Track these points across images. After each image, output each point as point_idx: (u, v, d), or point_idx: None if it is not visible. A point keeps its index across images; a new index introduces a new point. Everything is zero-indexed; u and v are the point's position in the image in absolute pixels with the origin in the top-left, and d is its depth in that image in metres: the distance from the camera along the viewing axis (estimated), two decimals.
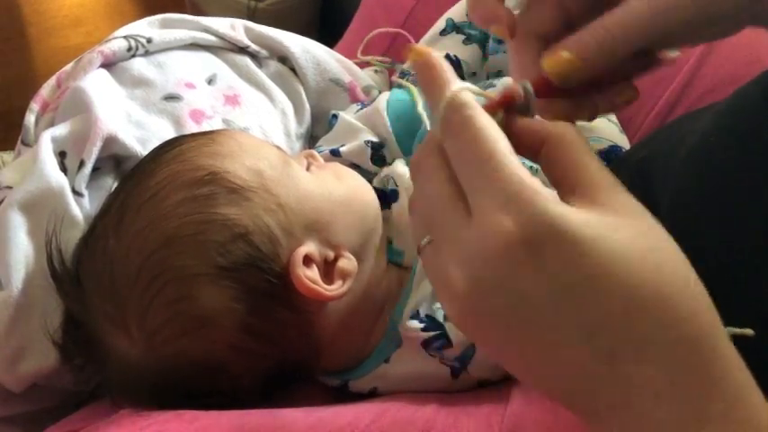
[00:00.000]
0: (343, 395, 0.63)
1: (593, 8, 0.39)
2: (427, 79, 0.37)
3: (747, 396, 0.32)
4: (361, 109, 0.76)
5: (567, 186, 0.35)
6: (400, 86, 0.83)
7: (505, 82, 0.73)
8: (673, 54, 0.43)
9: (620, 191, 0.34)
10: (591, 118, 0.42)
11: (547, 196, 0.32)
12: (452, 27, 0.83)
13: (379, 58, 0.88)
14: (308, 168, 0.64)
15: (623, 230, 0.32)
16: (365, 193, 0.65)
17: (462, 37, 0.83)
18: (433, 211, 0.35)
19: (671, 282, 0.32)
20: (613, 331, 0.32)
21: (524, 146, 0.36)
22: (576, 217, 0.32)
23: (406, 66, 0.85)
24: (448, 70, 0.37)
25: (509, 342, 0.34)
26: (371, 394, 0.63)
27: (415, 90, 0.71)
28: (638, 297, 0.31)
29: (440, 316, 0.59)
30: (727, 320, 0.36)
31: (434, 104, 0.36)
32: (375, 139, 0.71)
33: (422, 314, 0.60)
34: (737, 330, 0.35)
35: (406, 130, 0.71)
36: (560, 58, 0.38)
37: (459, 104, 0.35)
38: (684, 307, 0.32)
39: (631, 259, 0.32)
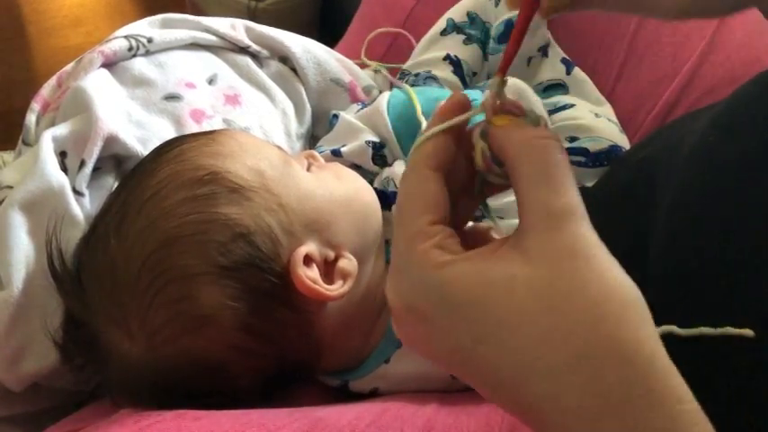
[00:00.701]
0: (344, 395, 0.63)
1: None
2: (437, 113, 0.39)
3: (680, 410, 0.31)
4: (362, 109, 0.76)
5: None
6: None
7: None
8: None
9: (549, 228, 0.34)
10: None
11: (433, 261, 0.35)
12: (452, 27, 0.83)
13: (385, 65, 0.88)
14: (308, 168, 0.64)
15: (515, 287, 0.33)
16: (365, 194, 0.65)
17: (462, 37, 0.83)
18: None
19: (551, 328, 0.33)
20: (504, 390, 0.34)
21: (499, 157, 0.37)
22: (455, 284, 0.34)
23: (406, 66, 0.85)
24: (452, 109, 0.39)
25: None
26: (372, 394, 0.63)
27: (413, 93, 0.71)
28: (524, 360, 0.33)
29: None
30: (728, 320, 0.36)
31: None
32: (376, 140, 0.71)
33: None
34: (737, 331, 0.35)
35: (407, 130, 0.71)
36: None
37: (415, 153, 0.38)
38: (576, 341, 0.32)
39: (517, 298, 0.33)
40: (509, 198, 0.39)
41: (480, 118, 0.39)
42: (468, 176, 0.40)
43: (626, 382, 0.31)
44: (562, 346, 0.31)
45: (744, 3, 0.39)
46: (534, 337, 0.32)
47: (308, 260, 0.57)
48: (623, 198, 0.63)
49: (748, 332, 0.36)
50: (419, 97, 0.72)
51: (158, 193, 0.57)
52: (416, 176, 0.37)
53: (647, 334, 0.32)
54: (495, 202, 0.43)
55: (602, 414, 0.31)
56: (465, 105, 0.39)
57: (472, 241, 0.37)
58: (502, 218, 0.52)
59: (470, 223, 0.42)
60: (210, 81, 0.77)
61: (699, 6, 0.39)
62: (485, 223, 0.41)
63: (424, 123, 0.45)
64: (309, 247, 0.58)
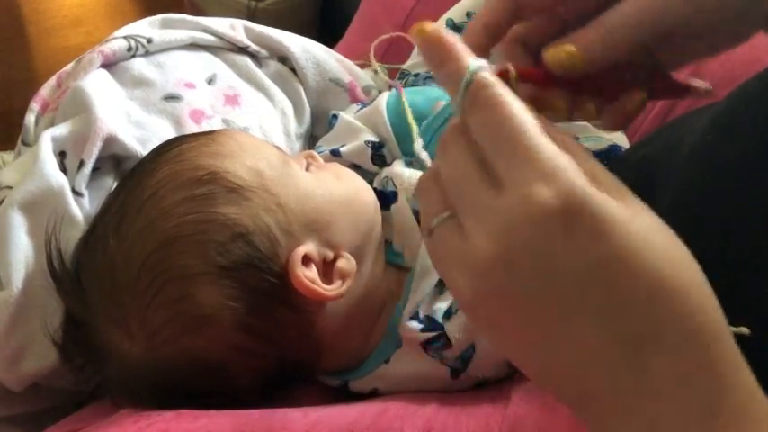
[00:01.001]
0: (344, 395, 0.63)
1: (587, 18, 0.40)
2: (438, 59, 0.36)
3: (758, 394, 0.32)
4: (361, 109, 0.76)
5: None
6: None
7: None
8: (703, 85, 0.43)
9: (632, 195, 0.35)
10: (596, 115, 0.42)
11: (582, 175, 0.33)
12: (452, 27, 0.83)
13: (386, 65, 0.88)
14: (307, 169, 0.64)
15: (647, 222, 0.33)
16: (365, 194, 0.65)
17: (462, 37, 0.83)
18: (459, 184, 0.35)
19: (688, 276, 0.33)
20: (636, 315, 0.32)
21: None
22: (609, 199, 0.32)
23: (406, 66, 0.85)
24: (458, 45, 0.36)
25: (524, 323, 0.33)
26: (372, 394, 0.63)
27: (404, 95, 0.71)
28: (660, 284, 0.32)
29: (439, 317, 0.59)
30: (728, 320, 0.36)
31: (451, 85, 0.36)
32: (375, 140, 0.71)
33: (421, 315, 0.60)
34: (734, 329, 0.35)
35: (407, 130, 0.71)
36: (563, 48, 0.38)
37: (484, 82, 0.35)
38: (700, 301, 0.33)
39: (656, 248, 0.32)
40: None
41: None
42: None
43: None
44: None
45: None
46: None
47: (306, 260, 0.57)
48: None
49: (744, 330, 0.36)
50: (419, 97, 0.72)
51: (157, 193, 0.57)
52: (508, 98, 0.34)
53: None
54: None
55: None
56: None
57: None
58: None
59: None
60: (210, 81, 0.77)
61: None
62: None
63: (415, 128, 0.45)
64: (308, 247, 0.58)
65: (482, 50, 0.40)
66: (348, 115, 0.75)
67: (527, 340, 0.34)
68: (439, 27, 0.37)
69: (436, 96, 0.73)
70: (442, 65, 0.36)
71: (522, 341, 0.34)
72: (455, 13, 0.84)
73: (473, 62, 0.35)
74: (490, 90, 0.34)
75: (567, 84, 0.40)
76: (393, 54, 0.91)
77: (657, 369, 0.32)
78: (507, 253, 0.32)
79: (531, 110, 0.34)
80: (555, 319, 0.32)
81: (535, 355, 0.34)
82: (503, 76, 0.36)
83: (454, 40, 0.36)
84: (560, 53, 0.38)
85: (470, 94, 0.35)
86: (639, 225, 0.32)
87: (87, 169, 0.65)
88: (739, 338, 0.35)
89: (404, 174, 0.67)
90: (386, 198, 0.67)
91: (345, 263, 0.59)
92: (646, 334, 0.32)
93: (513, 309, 0.33)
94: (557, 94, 0.41)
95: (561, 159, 0.33)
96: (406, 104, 0.68)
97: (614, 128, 0.43)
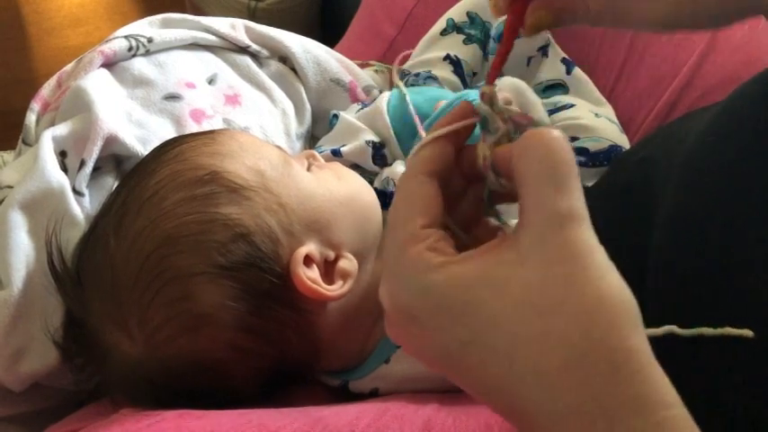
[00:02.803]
0: (344, 395, 0.63)
1: None
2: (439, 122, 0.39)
3: (667, 415, 0.31)
4: (362, 109, 0.76)
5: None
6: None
7: (506, 82, 0.73)
8: None
9: (550, 229, 0.33)
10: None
11: (425, 263, 0.35)
12: (452, 27, 0.83)
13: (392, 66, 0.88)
14: (308, 168, 0.64)
15: (509, 289, 0.33)
16: (366, 194, 0.65)
17: (462, 37, 0.83)
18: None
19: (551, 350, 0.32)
20: (494, 393, 0.34)
21: (504, 174, 0.37)
22: (443, 286, 0.34)
23: (406, 66, 0.85)
24: (455, 118, 0.39)
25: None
26: (372, 395, 0.63)
27: (407, 95, 0.71)
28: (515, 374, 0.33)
29: None
30: (728, 320, 0.36)
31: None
32: (376, 139, 0.71)
33: None
34: (736, 331, 0.35)
35: (407, 130, 0.71)
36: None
37: (412, 158, 0.38)
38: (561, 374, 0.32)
39: (505, 329, 0.33)
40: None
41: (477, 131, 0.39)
42: (467, 181, 0.40)
43: (614, 389, 0.31)
44: (553, 351, 0.31)
45: (733, 17, 0.39)
46: (525, 341, 0.32)
47: (308, 260, 0.57)
48: (623, 198, 0.63)
49: (748, 333, 0.36)
50: (419, 97, 0.72)
51: (158, 192, 0.57)
52: (411, 181, 0.38)
53: (638, 341, 0.32)
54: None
55: (591, 420, 0.31)
56: (468, 114, 0.39)
57: (484, 240, 0.37)
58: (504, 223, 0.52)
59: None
60: (210, 81, 0.77)
61: (684, 19, 0.39)
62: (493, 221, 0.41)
63: (420, 125, 0.46)
64: (309, 248, 0.58)
65: None
66: (349, 115, 0.75)
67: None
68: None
69: (436, 96, 0.73)
70: None
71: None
72: (455, 12, 0.85)
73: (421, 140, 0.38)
74: (404, 174, 0.38)
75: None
76: (393, 54, 0.91)
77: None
78: (390, 320, 0.37)
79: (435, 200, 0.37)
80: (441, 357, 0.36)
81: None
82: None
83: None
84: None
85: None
86: (489, 305, 0.33)
87: (88, 169, 0.65)
88: (741, 340, 0.35)
89: None
90: (387, 198, 0.67)
91: (347, 263, 0.59)
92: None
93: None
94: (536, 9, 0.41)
95: (406, 254, 0.36)
96: (410, 103, 0.69)
97: None
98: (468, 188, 0.40)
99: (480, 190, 0.40)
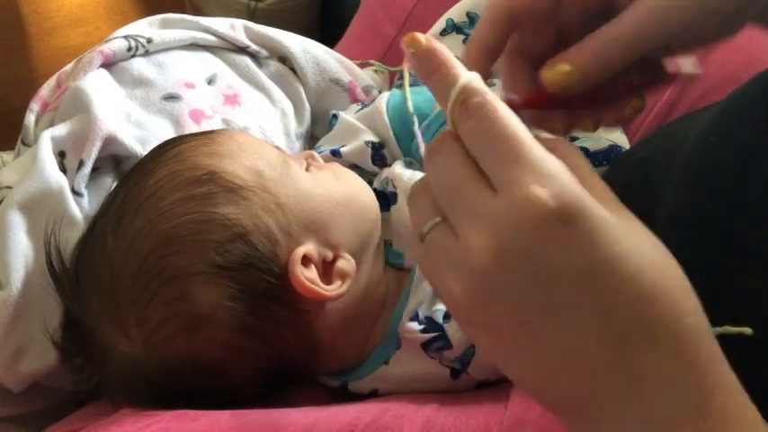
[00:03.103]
0: (343, 396, 0.63)
1: (587, 27, 0.40)
2: (429, 69, 0.37)
3: (741, 392, 0.33)
4: (362, 109, 0.76)
5: None
6: (400, 86, 0.83)
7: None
8: (691, 68, 0.43)
9: (622, 204, 0.35)
10: (594, 128, 0.43)
11: (576, 181, 0.33)
12: (452, 27, 0.83)
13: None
14: (307, 169, 0.64)
15: (635, 231, 0.34)
16: (364, 195, 0.65)
17: (462, 37, 0.83)
18: (452, 188, 0.35)
19: (674, 281, 0.33)
20: (626, 316, 0.32)
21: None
22: (600, 207, 0.33)
23: (406, 66, 0.85)
24: (449, 56, 0.37)
25: (518, 324, 0.33)
26: (371, 395, 0.63)
27: (407, 91, 0.71)
28: (648, 288, 0.32)
29: (439, 317, 0.59)
30: (727, 319, 0.36)
31: (441, 94, 0.36)
32: (375, 140, 0.71)
33: (421, 316, 0.60)
34: (736, 329, 0.35)
35: (407, 130, 0.71)
36: (559, 69, 0.39)
37: (476, 89, 0.35)
38: (686, 305, 0.33)
39: (644, 255, 0.33)
40: None
41: None
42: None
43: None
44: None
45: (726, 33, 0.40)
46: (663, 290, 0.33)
47: (306, 260, 0.57)
48: (623, 198, 0.63)
49: (747, 331, 0.36)
50: (419, 97, 0.72)
51: (156, 193, 0.57)
52: (499, 107, 0.35)
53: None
54: None
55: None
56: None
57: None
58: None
59: None
60: (210, 81, 0.76)
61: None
62: None
63: (416, 121, 0.45)
64: (307, 248, 0.58)
65: (483, 71, 0.41)
66: (348, 115, 0.75)
67: (520, 344, 0.34)
68: (430, 38, 0.37)
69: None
70: (432, 75, 0.37)
71: (515, 345, 0.34)
72: (455, 13, 0.84)
73: (464, 72, 0.36)
74: (481, 98, 0.35)
75: (565, 100, 0.40)
76: (393, 54, 0.91)
77: (646, 370, 0.32)
78: (501, 256, 0.32)
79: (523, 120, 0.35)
80: (547, 320, 0.33)
81: (527, 359, 0.34)
82: (509, 105, 0.37)
83: (445, 51, 0.37)
84: (557, 73, 0.39)
85: (461, 102, 0.35)
86: (628, 232, 0.33)
87: (87, 169, 0.65)
88: (740, 338, 0.35)
89: (404, 174, 0.67)
90: (386, 199, 0.67)
91: (345, 263, 0.59)
92: (634, 335, 0.32)
93: (508, 310, 0.33)
94: (554, 116, 0.41)
95: (555, 164, 0.33)
96: (409, 99, 0.68)
97: (596, 128, 0.43)
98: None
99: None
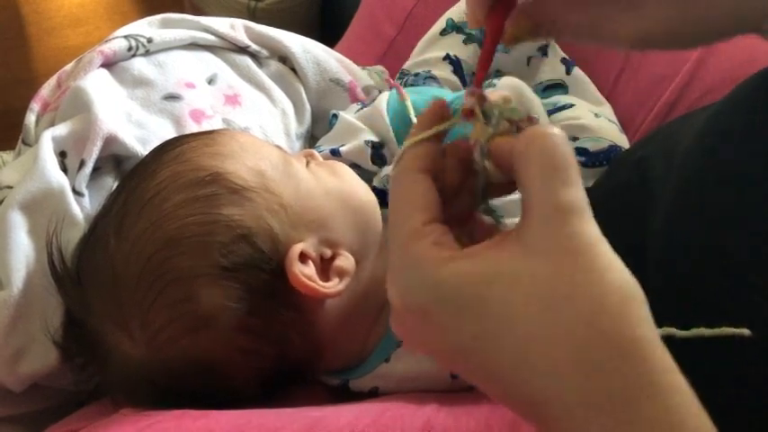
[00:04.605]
0: (344, 395, 0.63)
1: None
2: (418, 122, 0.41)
3: (677, 401, 0.32)
4: (362, 109, 0.76)
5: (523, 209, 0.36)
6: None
7: (505, 82, 0.73)
8: None
9: (554, 222, 0.34)
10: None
11: (432, 259, 0.35)
12: (452, 27, 0.83)
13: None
14: (306, 166, 0.64)
15: (517, 283, 0.34)
16: (363, 193, 0.65)
17: (462, 37, 0.83)
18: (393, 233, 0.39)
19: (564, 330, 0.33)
20: (506, 386, 0.34)
21: (502, 166, 0.37)
22: (454, 281, 0.34)
23: (406, 66, 0.85)
24: (431, 117, 0.40)
25: (448, 360, 0.37)
26: (372, 394, 0.63)
27: (407, 97, 0.71)
28: (527, 353, 0.33)
29: None
30: (725, 320, 0.36)
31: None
32: (375, 139, 0.71)
33: None
34: (734, 330, 0.35)
35: (407, 130, 0.71)
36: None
37: (403, 158, 0.39)
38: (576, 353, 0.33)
39: (515, 317, 0.33)
40: (511, 197, 0.39)
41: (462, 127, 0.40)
42: (459, 176, 0.40)
43: (625, 376, 0.31)
44: (563, 342, 0.32)
45: (711, 37, 0.40)
46: (535, 333, 0.32)
47: (303, 257, 0.57)
48: (622, 198, 0.63)
49: (745, 331, 0.36)
50: (418, 97, 0.72)
51: (159, 194, 0.57)
52: (405, 180, 0.38)
53: (645, 329, 0.32)
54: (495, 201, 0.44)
55: (602, 407, 0.31)
56: (444, 113, 0.40)
57: (477, 236, 0.38)
58: (501, 216, 0.53)
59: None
60: (210, 81, 0.77)
61: (659, 38, 0.39)
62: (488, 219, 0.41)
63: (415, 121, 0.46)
64: (305, 245, 0.58)
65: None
66: (348, 115, 0.75)
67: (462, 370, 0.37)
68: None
69: (436, 96, 0.73)
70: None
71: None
72: (455, 13, 0.85)
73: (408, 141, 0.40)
74: (395, 171, 0.39)
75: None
76: (393, 54, 0.91)
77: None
78: (397, 317, 0.37)
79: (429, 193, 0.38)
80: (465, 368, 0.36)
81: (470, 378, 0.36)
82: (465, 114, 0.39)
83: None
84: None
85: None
86: (495, 299, 0.34)
87: (88, 169, 0.65)
88: (739, 338, 0.35)
89: None
90: (386, 197, 0.67)
91: (344, 260, 0.59)
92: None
93: (429, 345, 0.37)
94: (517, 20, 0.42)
95: (410, 251, 0.36)
96: (410, 106, 0.69)
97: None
98: (458, 185, 0.40)
99: (471, 185, 0.40)
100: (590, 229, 0.33)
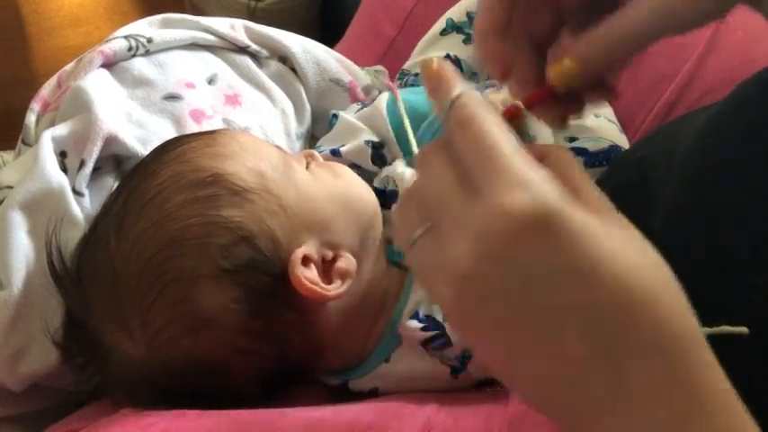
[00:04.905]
0: (344, 395, 0.63)
1: (587, 7, 0.40)
2: (433, 86, 0.38)
3: (733, 402, 0.32)
4: (362, 109, 0.76)
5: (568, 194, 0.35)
6: (400, 86, 0.83)
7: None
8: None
9: (612, 209, 0.35)
10: (580, 115, 0.43)
11: (555, 187, 0.33)
12: (452, 27, 0.83)
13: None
14: (306, 167, 0.64)
15: (619, 234, 0.33)
16: (363, 193, 0.65)
17: (462, 37, 0.83)
18: (439, 196, 0.36)
19: (660, 285, 0.33)
20: (610, 320, 0.32)
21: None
22: (579, 211, 0.33)
23: (406, 66, 0.85)
24: (454, 75, 0.38)
25: (503, 329, 0.34)
26: (372, 394, 0.63)
27: (400, 101, 0.71)
28: (630, 292, 0.32)
29: (439, 316, 0.59)
30: (725, 319, 0.36)
31: (440, 105, 0.37)
32: (375, 139, 0.71)
33: (421, 314, 0.60)
34: (733, 329, 0.35)
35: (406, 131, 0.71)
36: (566, 65, 0.39)
37: (466, 101, 0.36)
38: (673, 309, 0.33)
39: (626, 259, 0.33)
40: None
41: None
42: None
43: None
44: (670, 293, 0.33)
45: (711, 16, 0.40)
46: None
47: (306, 261, 0.57)
48: (622, 197, 0.63)
49: (744, 330, 0.36)
50: (419, 97, 0.72)
51: (160, 194, 0.57)
52: (486, 116, 0.36)
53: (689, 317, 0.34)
54: None
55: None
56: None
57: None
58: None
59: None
60: (210, 81, 0.77)
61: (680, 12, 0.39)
62: None
63: (411, 134, 0.46)
64: (307, 248, 0.58)
65: (497, 54, 0.41)
66: (348, 115, 0.75)
67: (507, 349, 0.34)
68: (443, 61, 0.39)
69: None
70: (434, 89, 0.38)
71: (502, 349, 0.34)
72: (455, 12, 0.85)
73: (459, 86, 0.37)
74: (470, 109, 0.36)
75: (570, 94, 0.41)
76: (393, 54, 0.91)
77: (631, 374, 0.32)
78: (484, 262, 0.33)
79: (510, 128, 0.36)
80: (530, 323, 0.33)
81: (514, 364, 0.34)
82: (514, 111, 0.38)
83: (451, 69, 0.38)
84: (563, 70, 0.39)
85: (453, 113, 0.36)
86: (612, 237, 0.33)
87: (88, 169, 0.65)
88: (739, 338, 0.36)
89: (404, 173, 0.67)
90: (386, 197, 0.67)
91: (345, 262, 0.59)
92: (623, 339, 0.32)
93: (493, 315, 0.33)
94: (551, 108, 0.42)
95: (534, 172, 0.33)
96: (402, 109, 0.69)
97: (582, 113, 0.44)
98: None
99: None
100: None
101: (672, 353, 0.32)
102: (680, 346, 0.32)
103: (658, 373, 0.32)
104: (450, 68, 0.38)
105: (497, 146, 0.34)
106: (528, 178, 0.33)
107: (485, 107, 0.36)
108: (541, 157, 0.36)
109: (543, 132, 0.73)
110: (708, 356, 0.33)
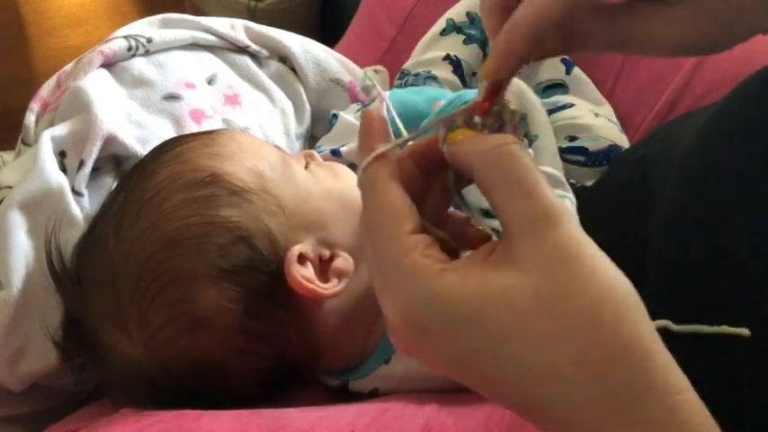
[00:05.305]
0: (344, 395, 0.63)
1: None
2: (361, 138, 0.40)
3: (680, 400, 0.32)
4: (362, 109, 0.76)
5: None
6: (400, 86, 0.83)
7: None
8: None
9: (534, 235, 0.33)
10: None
11: (425, 273, 0.34)
12: (452, 27, 0.83)
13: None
14: (305, 167, 0.64)
15: (511, 298, 0.33)
16: None
17: (462, 37, 0.83)
18: (367, 248, 0.38)
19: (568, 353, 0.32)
20: (510, 394, 0.34)
21: (462, 174, 0.38)
22: (448, 298, 0.34)
23: (406, 66, 0.85)
24: (381, 132, 0.39)
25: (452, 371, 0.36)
26: (372, 395, 0.63)
27: (386, 95, 0.71)
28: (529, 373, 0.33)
29: None
30: (725, 319, 0.36)
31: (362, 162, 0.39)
32: None
33: None
34: (733, 330, 0.35)
35: (407, 129, 0.71)
36: (486, 63, 0.39)
37: (369, 169, 0.38)
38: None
39: (512, 337, 0.33)
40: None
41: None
42: (426, 177, 0.40)
43: (627, 378, 0.31)
44: (564, 349, 0.32)
45: (736, 39, 0.39)
46: (535, 344, 0.32)
47: (302, 259, 0.57)
48: (622, 197, 0.63)
49: (744, 331, 0.36)
50: (418, 97, 0.72)
51: (158, 194, 0.57)
52: (380, 191, 0.37)
53: (644, 329, 0.32)
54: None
55: (606, 408, 0.31)
56: (382, 125, 0.40)
57: (455, 233, 0.38)
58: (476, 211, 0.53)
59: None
60: (210, 81, 0.77)
61: (691, 45, 0.39)
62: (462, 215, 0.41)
63: (398, 121, 0.46)
64: (304, 246, 0.58)
65: (497, 26, 0.40)
66: (348, 115, 0.75)
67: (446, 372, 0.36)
68: (378, 117, 0.40)
69: (435, 96, 0.73)
70: (360, 145, 0.40)
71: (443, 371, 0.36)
72: (455, 13, 0.85)
73: (380, 148, 0.38)
74: (370, 180, 0.38)
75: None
76: (393, 54, 0.91)
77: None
78: (395, 331, 0.36)
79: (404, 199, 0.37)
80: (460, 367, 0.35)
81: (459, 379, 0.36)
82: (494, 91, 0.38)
83: (379, 129, 0.40)
84: (487, 66, 0.39)
85: (362, 175, 0.38)
86: (495, 315, 0.33)
87: (87, 169, 0.65)
88: (739, 338, 0.35)
89: None
90: None
91: (342, 261, 0.59)
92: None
93: (428, 350, 0.36)
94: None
95: (403, 264, 0.35)
96: (392, 110, 0.69)
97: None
98: (427, 185, 0.40)
99: (441, 181, 0.40)
100: (572, 233, 0.33)
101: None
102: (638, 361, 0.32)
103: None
104: (379, 126, 0.39)
105: (379, 235, 0.36)
106: (396, 279, 0.35)
107: (387, 181, 0.37)
108: (479, 166, 0.35)
109: (544, 132, 0.74)
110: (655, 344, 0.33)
